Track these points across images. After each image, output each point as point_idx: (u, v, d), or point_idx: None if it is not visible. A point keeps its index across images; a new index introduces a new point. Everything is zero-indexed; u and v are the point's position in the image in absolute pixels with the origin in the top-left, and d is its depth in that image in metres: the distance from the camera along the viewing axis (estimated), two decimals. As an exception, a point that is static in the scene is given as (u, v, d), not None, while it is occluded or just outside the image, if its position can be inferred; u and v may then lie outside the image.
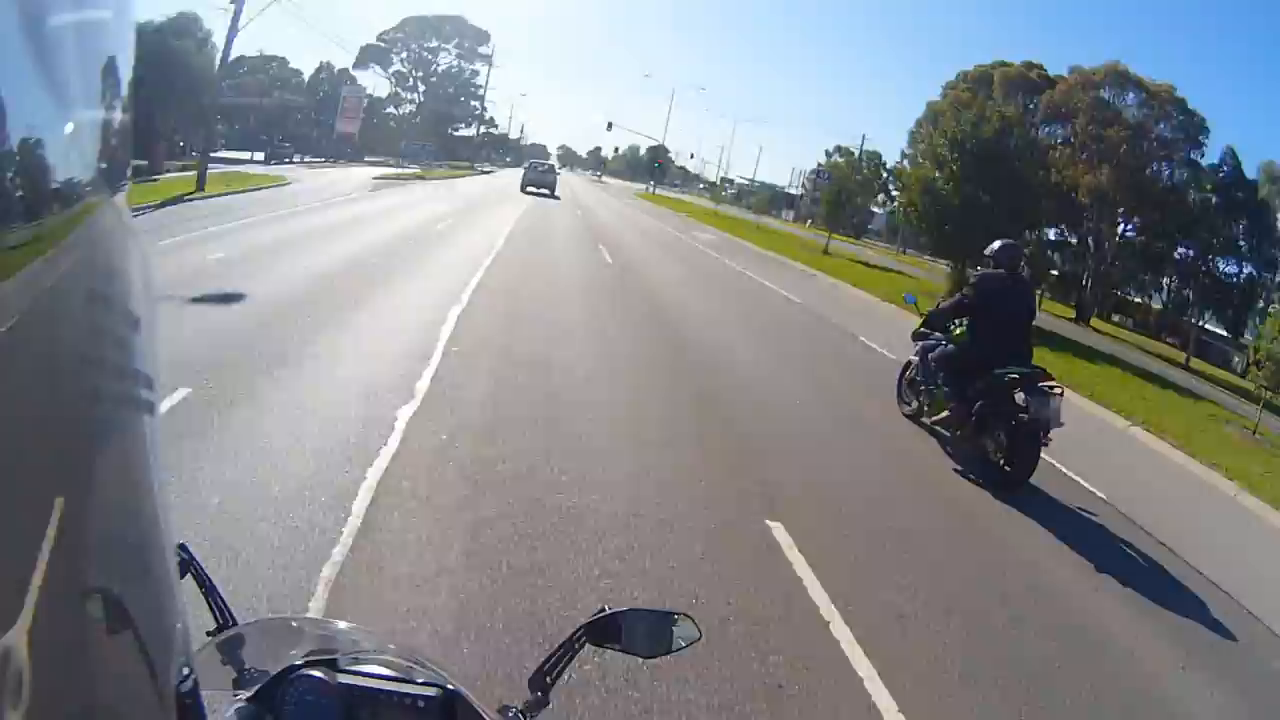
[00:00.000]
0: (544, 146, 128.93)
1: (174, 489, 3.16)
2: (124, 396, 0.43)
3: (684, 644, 0.99)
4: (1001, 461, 4.77)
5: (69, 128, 0.38)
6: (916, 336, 6.02)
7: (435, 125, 53.26)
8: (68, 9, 0.38)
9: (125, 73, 0.43)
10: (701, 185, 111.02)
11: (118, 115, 0.43)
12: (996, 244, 5.55)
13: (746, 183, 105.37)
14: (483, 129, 75.09)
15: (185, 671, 0.47)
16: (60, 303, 0.37)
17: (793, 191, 68.24)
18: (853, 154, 63.94)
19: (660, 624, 0.99)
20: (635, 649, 0.98)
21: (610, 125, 39.34)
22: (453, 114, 54.20)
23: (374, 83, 60.42)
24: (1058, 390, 4.80)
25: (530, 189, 29.81)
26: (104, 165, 0.41)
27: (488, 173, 46.47)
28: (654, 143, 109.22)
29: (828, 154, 67.85)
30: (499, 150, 73.25)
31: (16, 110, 0.34)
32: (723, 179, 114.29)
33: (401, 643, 0.88)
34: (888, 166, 43.10)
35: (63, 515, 0.36)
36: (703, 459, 4.29)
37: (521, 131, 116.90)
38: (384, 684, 0.79)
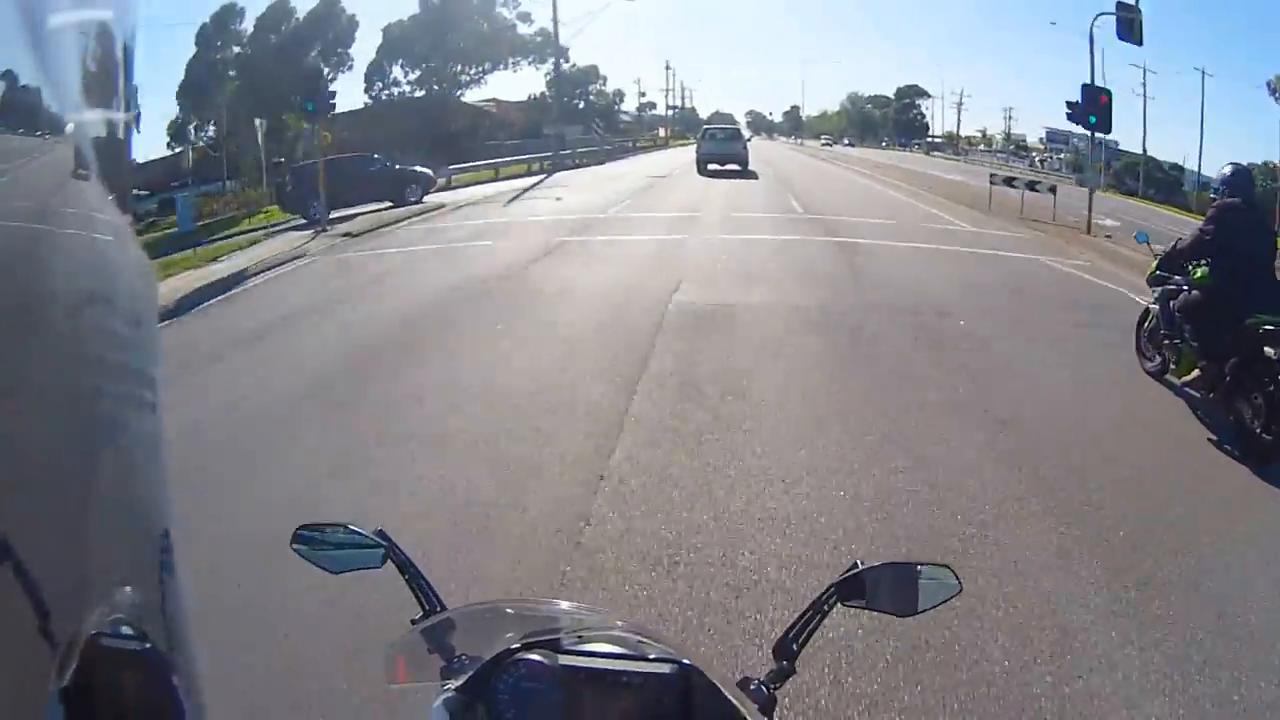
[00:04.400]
0: (730, 115, 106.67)
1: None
2: (125, 396, 0.46)
3: (944, 597, 1.02)
4: (1259, 429, 4.60)
5: (69, 128, 0.40)
6: (1153, 281, 6.02)
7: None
8: (68, 9, 0.40)
9: (125, 72, 0.46)
10: (1003, 152, 75.11)
11: (118, 115, 0.46)
12: (1228, 168, 5.45)
13: (1082, 148, 67.18)
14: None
15: (126, 631, 0.49)
16: (62, 302, 0.39)
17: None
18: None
19: (915, 576, 1.01)
20: (890, 606, 1.01)
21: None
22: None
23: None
24: None
25: (712, 165, 25.62)
26: (104, 165, 0.43)
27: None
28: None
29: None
30: (595, 125, 47.11)
31: (17, 110, 0.36)
32: (1015, 144, 76.54)
33: (630, 619, 0.90)
34: None
35: (61, 509, 0.39)
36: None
37: (681, 97, 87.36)
38: (613, 663, 0.81)
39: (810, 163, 39.78)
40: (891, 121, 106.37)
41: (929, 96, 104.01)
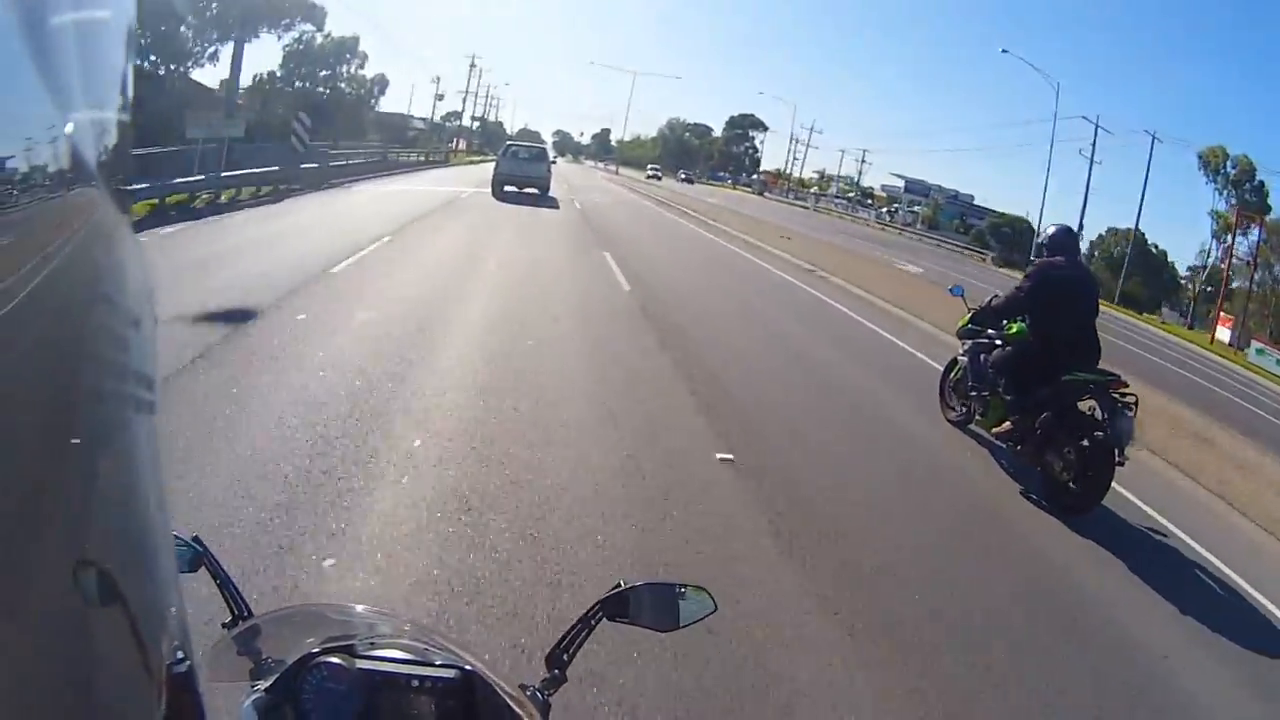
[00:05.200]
0: (537, 133, 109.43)
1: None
2: (125, 395, 0.47)
3: (700, 615, 1.15)
4: (1069, 481, 5.12)
5: (69, 128, 0.40)
6: (964, 334, 6.35)
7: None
8: (68, 9, 0.40)
9: (125, 73, 0.46)
10: (841, 198, 68.47)
11: (118, 115, 0.46)
12: (1052, 228, 5.86)
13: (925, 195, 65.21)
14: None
15: (179, 655, 0.54)
16: (62, 302, 0.39)
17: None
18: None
19: (675, 597, 1.14)
20: (652, 623, 1.13)
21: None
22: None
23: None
24: (1131, 398, 5.08)
25: (509, 187, 22.52)
26: (104, 165, 0.44)
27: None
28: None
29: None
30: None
31: (17, 110, 0.36)
32: (860, 190, 71.66)
33: (419, 624, 1.04)
34: None
35: (63, 508, 0.39)
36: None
37: (485, 106, 74.18)
38: (402, 667, 0.88)
39: (663, 220, 25.62)
40: (718, 153, 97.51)
41: (764, 130, 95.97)
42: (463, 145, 64.34)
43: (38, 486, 0.37)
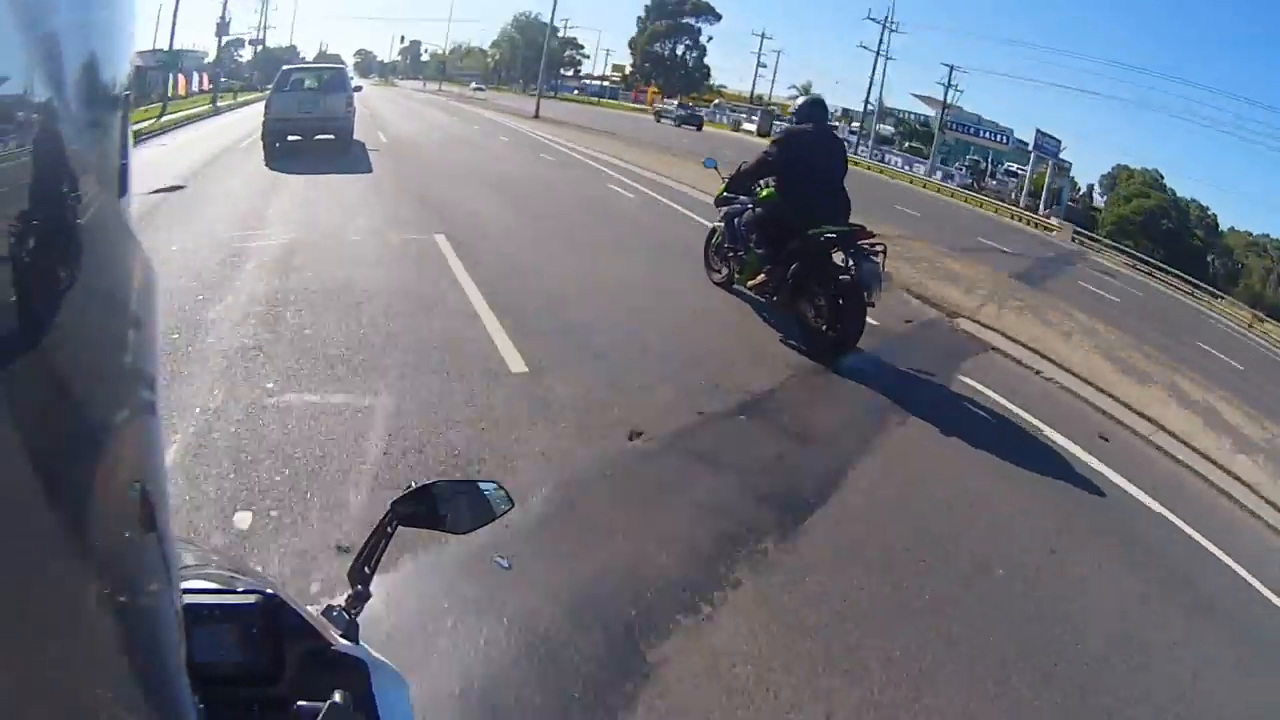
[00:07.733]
0: (337, 56, 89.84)
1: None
2: (125, 395, 0.49)
3: (497, 513, 1.25)
4: (824, 326, 6.37)
5: (68, 126, 0.42)
6: (720, 202, 7.81)
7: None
8: (68, 9, 0.43)
9: (125, 72, 0.49)
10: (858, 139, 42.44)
11: (118, 115, 0.49)
12: (801, 99, 7.33)
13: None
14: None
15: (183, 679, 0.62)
16: (62, 302, 0.42)
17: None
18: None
19: (470, 493, 1.23)
20: (448, 525, 1.21)
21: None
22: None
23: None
24: (879, 247, 6.21)
25: (292, 136, 16.59)
26: (103, 164, 0.47)
27: None
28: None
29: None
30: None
31: (16, 110, 0.38)
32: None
33: (225, 552, 1.19)
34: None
35: (66, 514, 0.42)
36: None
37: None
38: (205, 597, 0.95)
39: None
40: (641, 54, 67.41)
41: (714, 18, 66.00)
42: (184, 87, 33.67)
43: (37, 488, 0.39)
